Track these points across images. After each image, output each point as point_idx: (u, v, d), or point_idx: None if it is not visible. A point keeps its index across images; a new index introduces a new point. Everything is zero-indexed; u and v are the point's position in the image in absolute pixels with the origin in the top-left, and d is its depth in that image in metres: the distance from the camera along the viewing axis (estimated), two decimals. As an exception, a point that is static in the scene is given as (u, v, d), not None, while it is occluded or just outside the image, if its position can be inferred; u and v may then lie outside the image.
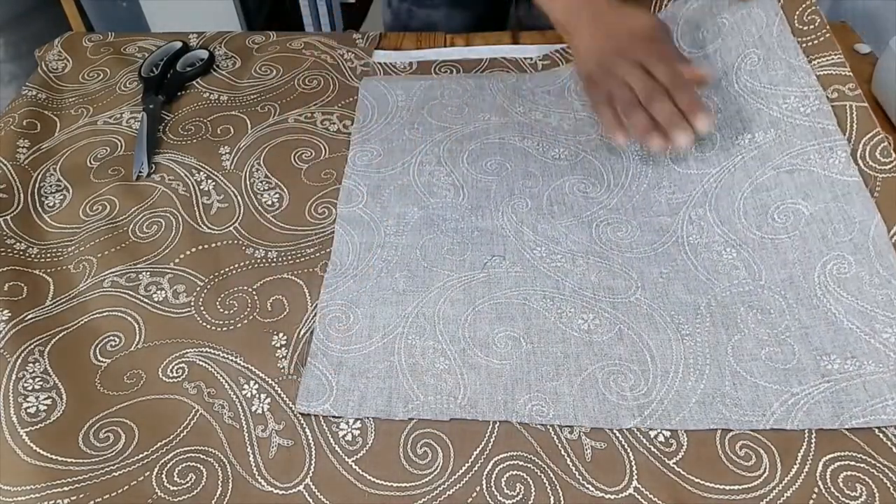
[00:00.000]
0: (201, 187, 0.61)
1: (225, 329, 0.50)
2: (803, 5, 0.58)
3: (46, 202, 0.60)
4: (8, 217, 0.58)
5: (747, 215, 0.53)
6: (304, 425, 0.44)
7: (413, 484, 0.41)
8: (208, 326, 0.50)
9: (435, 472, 0.42)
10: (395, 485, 0.41)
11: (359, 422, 0.44)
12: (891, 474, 0.40)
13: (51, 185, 0.62)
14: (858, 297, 0.46)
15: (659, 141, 0.51)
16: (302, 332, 0.49)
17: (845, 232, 0.48)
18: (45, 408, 0.45)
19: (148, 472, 0.42)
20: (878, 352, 0.44)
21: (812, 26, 0.57)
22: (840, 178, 0.50)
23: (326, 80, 0.71)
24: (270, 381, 0.46)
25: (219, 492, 0.41)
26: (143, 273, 0.54)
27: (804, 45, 0.56)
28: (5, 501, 0.40)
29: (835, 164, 0.50)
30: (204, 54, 0.75)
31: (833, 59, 0.55)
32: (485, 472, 0.41)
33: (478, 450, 0.42)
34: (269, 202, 0.59)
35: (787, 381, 0.44)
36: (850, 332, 0.45)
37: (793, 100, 0.54)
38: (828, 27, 0.56)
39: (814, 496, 0.39)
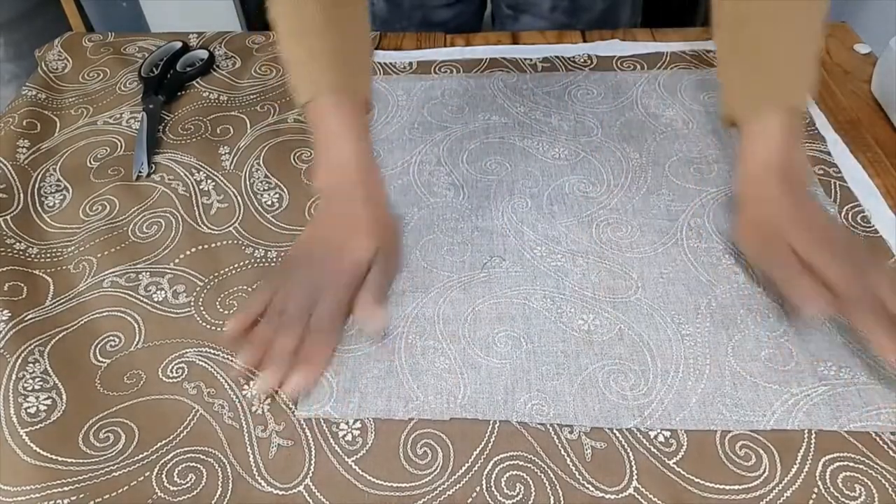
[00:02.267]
0: (201, 187, 0.61)
1: (225, 329, 0.50)
2: None
3: (46, 202, 0.60)
4: (8, 217, 0.58)
5: None
6: (304, 425, 0.44)
7: (413, 484, 0.41)
8: (208, 326, 0.50)
9: (435, 472, 0.41)
10: (395, 485, 0.41)
11: (359, 422, 0.44)
12: (890, 476, 0.40)
13: (51, 185, 0.62)
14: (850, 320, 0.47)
15: (253, 365, 0.45)
16: (302, 332, 0.49)
17: None
18: (45, 408, 0.45)
19: (148, 472, 0.42)
20: (870, 367, 0.45)
21: (803, 122, 0.63)
22: None
23: (326, 80, 0.71)
24: (270, 381, 0.46)
25: (219, 492, 0.41)
26: (143, 273, 0.54)
27: None
28: (5, 501, 0.40)
29: None
30: (204, 54, 0.75)
31: (821, 147, 0.61)
32: (485, 472, 0.41)
33: (478, 450, 0.42)
34: (269, 202, 0.59)
35: (787, 381, 0.44)
36: (844, 346, 0.46)
37: None
38: (816, 127, 0.63)
39: (813, 496, 0.39)
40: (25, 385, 0.46)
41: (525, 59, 0.73)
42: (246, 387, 0.46)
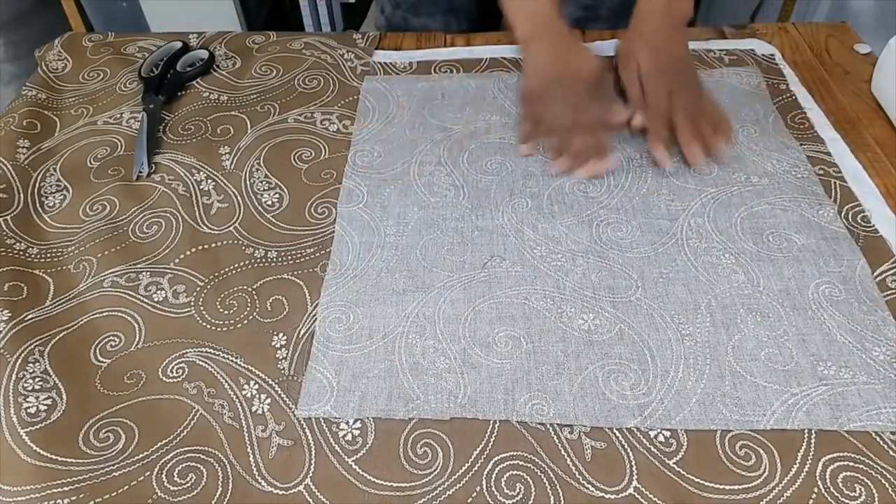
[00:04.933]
0: (201, 187, 0.61)
1: (225, 329, 0.50)
2: (795, 110, 0.65)
3: (46, 202, 0.60)
4: (8, 217, 0.58)
5: (744, 231, 0.54)
6: (304, 425, 0.44)
7: (413, 484, 0.41)
8: (208, 326, 0.50)
9: (435, 472, 0.42)
10: (395, 485, 0.41)
11: (359, 422, 0.44)
12: (890, 476, 0.40)
13: (51, 185, 0.62)
14: (849, 318, 0.48)
15: (568, 168, 0.60)
16: (302, 332, 0.49)
17: (835, 265, 0.51)
18: (45, 408, 0.45)
19: (148, 472, 0.42)
20: (870, 366, 0.45)
21: (803, 125, 0.64)
22: (828, 226, 0.54)
23: (326, 80, 0.71)
24: (270, 382, 0.46)
25: (219, 492, 0.41)
26: (143, 273, 0.54)
27: (795, 135, 0.63)
28: (5, 501, 0.40)
29: (823, 216, 0.55)
30: (204, 54, 0.75)
31: (820, 148, 0.61)
32: (485, 472, 0.41)
33: (478, 450, 0.42)
34: (269, 202, 0.59)
35: (787, 381, 0.44)
36: (844, 345, 0.46)
37: (785, 164, 0.59)
38: (815, 129, 0.63)
39: (813, 496, 0.39)
40: (25, 385, 0.46)
41: (525, 59, 0.73)
42: (246, 387, 0.46)
